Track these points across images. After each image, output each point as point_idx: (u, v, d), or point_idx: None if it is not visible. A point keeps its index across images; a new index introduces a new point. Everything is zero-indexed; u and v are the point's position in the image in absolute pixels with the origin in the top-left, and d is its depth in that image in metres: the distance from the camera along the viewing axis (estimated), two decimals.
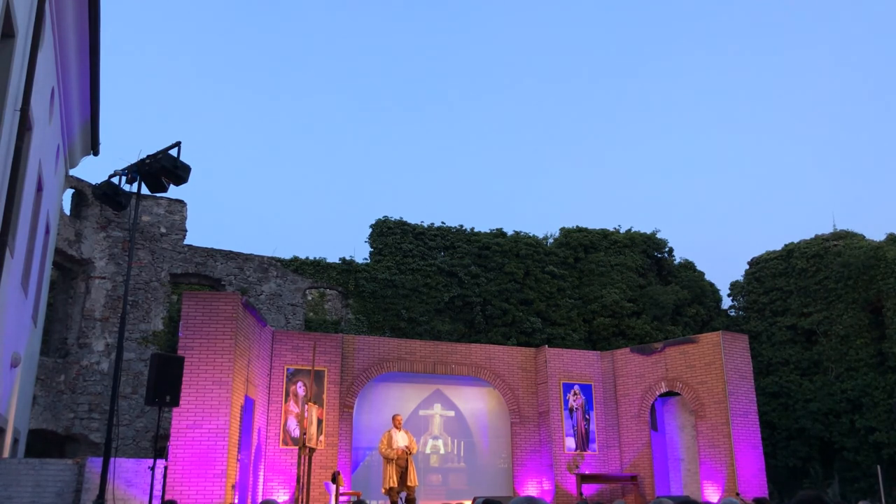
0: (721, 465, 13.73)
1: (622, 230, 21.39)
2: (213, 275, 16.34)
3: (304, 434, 11.08)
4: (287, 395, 12.94)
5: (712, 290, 21.75)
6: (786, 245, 21.49)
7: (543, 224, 62.04)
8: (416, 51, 71.94)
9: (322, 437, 12.50)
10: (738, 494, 12.94)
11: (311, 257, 17.71)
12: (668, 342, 15.32)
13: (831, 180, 63.01)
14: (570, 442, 14.98)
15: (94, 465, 8.93)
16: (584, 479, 14.32)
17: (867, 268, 19.19)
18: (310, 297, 20.07)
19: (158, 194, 11.02)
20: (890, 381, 18.33)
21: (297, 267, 17.42)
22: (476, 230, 19.71)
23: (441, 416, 15.08)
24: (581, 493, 14.15)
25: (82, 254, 15.03)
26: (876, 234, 28.47)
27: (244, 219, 62.47)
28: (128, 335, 14.86)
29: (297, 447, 11.98)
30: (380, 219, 18.95)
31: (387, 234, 18.71)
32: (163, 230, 16.01)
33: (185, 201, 16.40)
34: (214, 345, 10.68)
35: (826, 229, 23.68)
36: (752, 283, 21.74)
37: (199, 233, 53.64)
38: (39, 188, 10.20)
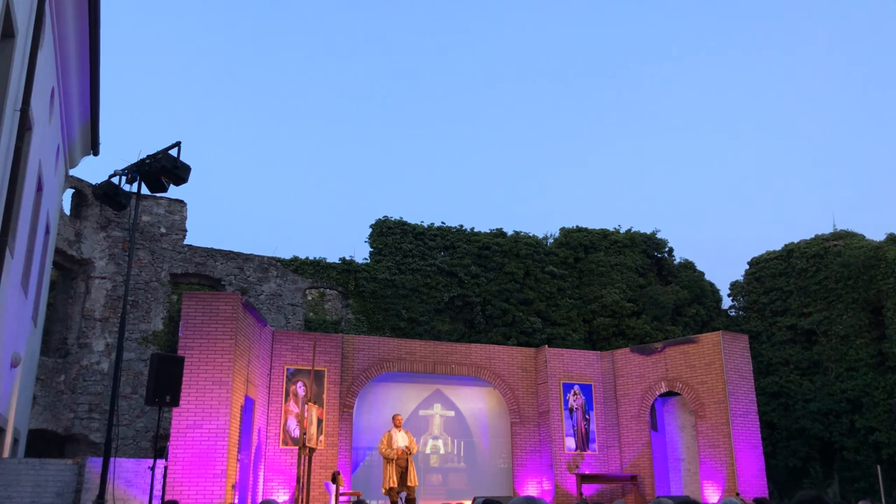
0: (721, 465, 13.74)
1: (622, 230, 21.39)
2: (213, 275, 16.34)
3: (304, 434, 11.08)
4: (287, 395, 12.94)
5: (712, 290, 21.75)
6: (786, 245, 21.49)
7: (543, 224, 62.09)
8: (417, 50, 71.98)
9: (322, 437, 12.50)
10: (738, 494, 12.94)
11: (311, 257, 17.72)
12: (668, 342, 15.32)
13: (831, 180, 63.05)
14: (570, 442, 14.98)
15: (94, 465, 8.93)
16: (584, 479, 14.32)
17: (867, 268, 19.19)
18: (310, 297, 20.07)
19: (158, 194, 11.02)
20: (890, 381, 18.33)
21: (297, 267, 17.42)
22: (476, 230, 19.72)
23: (441, 416, 15.08)
24: (581, 493, 14.15)
25: (82, 254, 15.03)
26: (876, 234, 28.49)
27: (244, 219, 62.51)
28: (128, 335, 14.87)
29: (297, 447, 11.98)
30: (380, 219, 18.95)
31: (387, 234, 18.72)
32: (163, 230, 16.01)
33: (185, 201, 16.41)
34: (214, 345, 10.68)
35: (826, 229, 23.71)
36: (752, 283, 21.74)
37: (199, 233, 53.70)
38: (39, 188, 10.20)
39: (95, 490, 8.48)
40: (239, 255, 16.82)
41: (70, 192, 15.42)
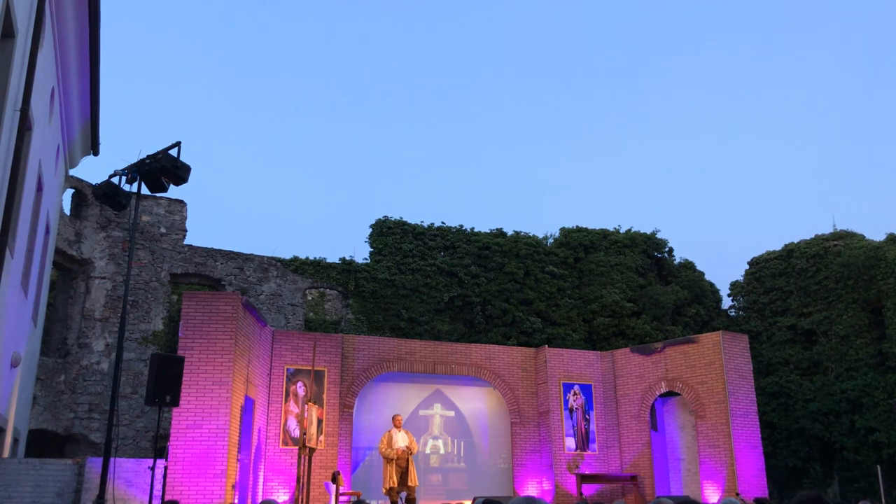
0: (721, 465, 13.73)
1: (622, 230, 21.39)
2: (213, 275, 16.34)
3: (304, 434, 11.08)
4: (287, 395, 12.94)
5: (712, 290, 21.75)
6: (786, 245, 21.50)
7: (543, 224, 62.07)
8: (417, 51, 71.98)
9: (322, 437, 12.50)
10: (738, 494, 12.94)
11: (311, 257, 17.72)
12: (668, 342, 15.32)
13: (831, 180, 63.06)
14: (570, 442, 14.98)
15: (94, 465, 8.93)
16: (584, 479, 14.32)
17: (867, 268, 19.19)
18: (310, 297, 20.07)
19: (158, 194, 11.02)
20: (890, 381, 18.33)
21: (297, 267, 17.42)
22: (476, 230, 19.72)
23: (441, 416, 15.08)
24: (581, 493, 14.15)
25: (82, 254, 15.03)
26: (876, 234, 28.47)
27: (244, 219, 62.51)
28: (128, 335, 14.87)
29: (297, 447, 11.98)
30: (380, 219, 18.95)
31: (387, 234, 18.72)
32: (163, 230, 16.01)
33: (185, 201, 16.42)
34: (214, 345, 10.68)
35: (826, 229, 23.71)
36: (752, 283, 21.74)
37: (199, 233, 53.65)
38: (39, 188, 10.20)
39: (95, 490, 8.48)
40: (239, 255, 16.82)
41: (70, 192, 15.42)
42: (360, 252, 40.46)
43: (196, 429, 10.23)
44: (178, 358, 9.18)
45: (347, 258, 18.11)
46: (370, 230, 18.80)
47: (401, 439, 12.64)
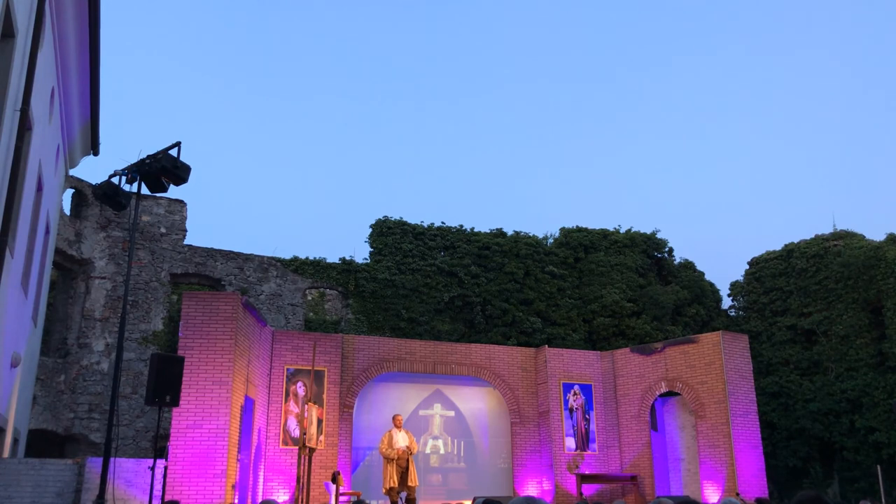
0: (721, 465, 13.73)
1: (622, 230, 21.39)
2: (213, 275, 16.34)
3: (304, 434, 11.08)
4: (287, 395, 12.94)
5: (712, 290, 21.75)
6: (786, 245, 21.50)
7: (543, 224, 62.06)
8: (417, 51, 71.98)
9: (322, 437, 12.50)
10: (738, 494, 12.94)
11: (311, 257, 17.72)
12: (668, 342, 15.32)
13: (831, 180, 63.06)
14: (570, 442, 14.98)
15: (94, 465, 8.93)
16: (584, 479, 14.32)
17: (867, 268, 19.19)
18: (310, 297, 20.07)
19: (158, 194, 11.02)
20: (890, 381, 18.33)
21: (297, 267, 17.42)
22: (476, 230, 19.72)
23: (441, 416, 15.08)
24: (581, 493, 14.15)
25: (82, 254, 15.03)
26: (876, 234, 28.51)
27: (244, 219, 62.53)
28: (128, 335, 14.87)
29: (297, 447, 11.98)
30: (380, 219, 18.95)
31: (387, 234, 18.72)
32: (163, 230, 16.01)
33: (185, 201, 16.42)
34: (214, 345, 10.68)
35: (826, 229, 23.71)
36: (752, 283, 21.74)
37: (199, 233, 53.65)
38: (39, 188, 10.20)
39: (95, 490, 8.48)
40: (239, 255, 16.82)
41: (70, 192, 15.42)
42: (360, 252, 40.50)
43: (196, 429, 10.23)
44: (178, 358, 9.18)
45: (347, 258, 18.11)
46: (370, 230, 18.80)
47: (401, 439, 12.64)
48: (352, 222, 61.40)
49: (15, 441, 10.71)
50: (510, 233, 20.10)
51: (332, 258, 18.07)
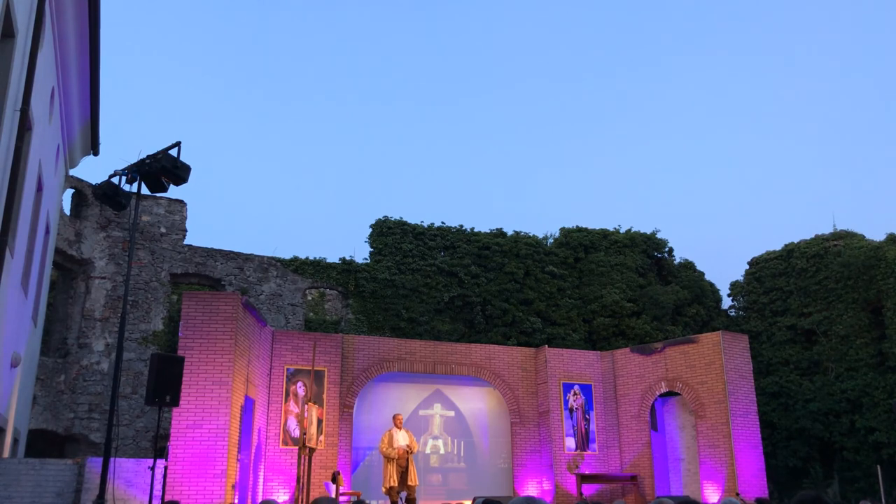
0: (721, 465, 13.73)
1: (622, 230, 21.39)
2: (213, 275, 16.34)
3: (304, 434, 11.08)
4: (287, 395, 12.94)
5: (712, 290, 21.75)
6: (786, 245, 21.49)
7: (543, 224, 62.06)
8: (417, 51, 71.98)
9: (322, 437, 12.50)
10: (738, 494, 12.94)
11: (311, 257, 17.72)
12: (668, 342, 15.32)
13: (831, 180, 63.05)
14: (570, 442, 14.97)
15: (94, 465, 8.93)
16: (584, 479, 14.32)
17: (867, 268, 19.19)
18: (310, 297, 20.07)
19: (158, 194, 11.02)
20: (890, 381, 18.33)
21: (297, 267, 17.42)
22: (476, 230, 19.72)
23: (441, 416, 15.08)
24: (581, 493, 14.15)
25: (82, 254, 15.03)
26: (876, 234, 28.50)
27: (244, 219, 62.53)
28: (128, 335, 14.87)
29: (297, 447, 11.98)
30: (380, 219, 18.95)
31: (387, 234, 18.71)
32: (163, 230, 16.01)
33: (185, 201, 16.41)
34: (214, 345, 10.68)
35: (826, 229, 23.70)
36: (752, 283, 21.74)
37: (199, 233, 53.69)
38: (39, 188, 10.19)
39: (95, 490, 8.48)
40: (239, 255, 16.82)
41: (70, 192, 15.42)
42: (360, 252, 40.48)
43: (196, 429, 10.23)
44: (178, 358, 9.18)
45: (347, 258, 18.11)
46: (370, 230, 18.80)
47: (401, 439, 12.65)
48: (352, 222, 61.44)
49: (15, 441, 10.71)
50: (510, 233, 20.10)
51: (332, 258, 18.09)
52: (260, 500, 11.87)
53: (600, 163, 68.60)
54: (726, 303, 22.34)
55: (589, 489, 14.60)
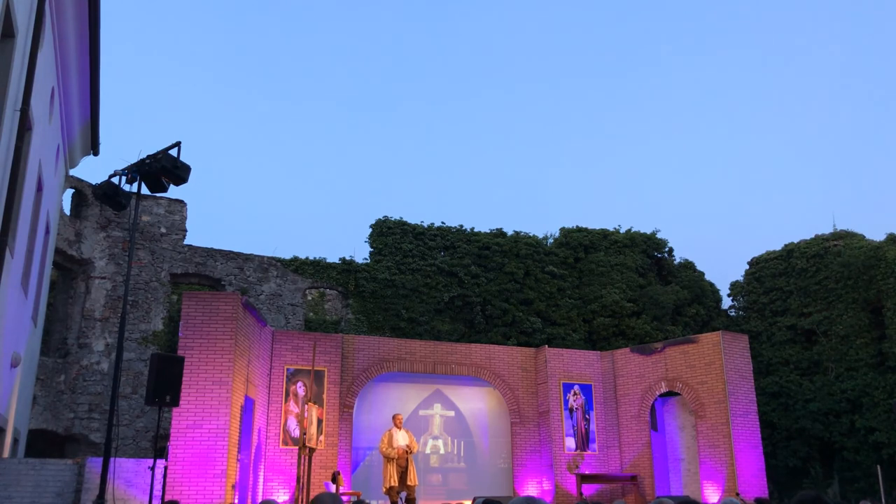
0: (721, 465, 13.73)
1: (622, 230, 21.39)
2: (213, 275, 16.34)
3: (304, 434, 11.08)
4: (287, 395, 12.94)
5: (712, 290, 21.75)
6: (786, 245, 21.49)
7: (543, 224, 62.04)
8: (417, 51, 71.98)
9: (322, 437, 12.50)
10: (738, 494, 12.94)
11: (311, 257, 17.72)
12: (668, 342, 15.32)
13: (831, 180, 63.06)
14: (570, 442, 14.98)
15: (94, 465, 8.93)
16: (584, 479, 14.32)
17: (867, 268, 19.19)
18: (310, 297, 20.07)
19: (158, 194, 11.01)
20: (890, 381, 18.33)
21: (297, 267, 17.42)
22: (476, 230, 19.71)
23: (441, 416, 15.08)
24: (581, 493, 14.15)
25: (82, 254, 15.03)
26: (876, 234, 28.46)
27: (244, 219, 62.53)
28: (128, 335, 14.86)
29: (297, 447, 11.98)
30: (380, 219, 18.95)
31: (387, 234, 18.71)
32: (163, 230, 16.01)
33: (185, 201, 16.41)
34: (214, 345, 10.68)
35: (826, 229, 23.69)
36: (752, 283, 21.74)
37: (199, 233, 53.72)
38: (39, 188, 10.19)
39: (95, 490, 8.48)
40: (239, 255, 16.82)
41: (70, 192, 15.42)
42: (360, 252, 40.49)
43: (196, 429, 10.23)
44: (178, 358, 9.18)
45: (347, 258, 18.11)
46: (370, 230, 18.80)
47: (401, 438, 12.65)
48: (352, 222, 61.43)
49: (15, 441, 10.71)
50: (510, 233, 20.10)
51: (332, 258, 18.09)
52: (260, 500, 11.87)
53: (600, 163, 68.65)
54: (726, 303, 22.36)
55: (589, 489, 14.60)
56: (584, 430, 15.22)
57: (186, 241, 16.26)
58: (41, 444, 14.53)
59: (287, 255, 17.47)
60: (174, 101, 66.38)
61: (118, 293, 15.05)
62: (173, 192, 9.43)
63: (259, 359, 12.30)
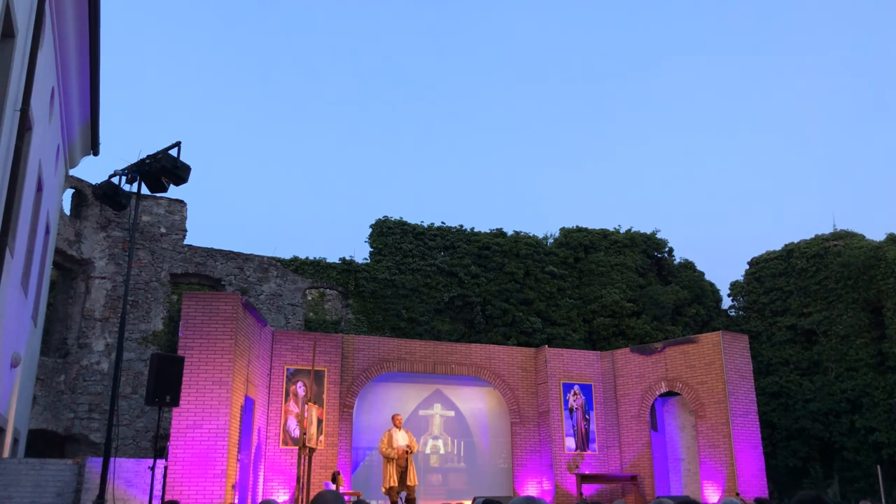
0: (721, 465, 13.73)
1: (622, 230, 21.39)
2: (213, 275, 16.34)
3: (304, 434, 11.08)
4: (287, 395, 12.94)
5: (712, 290, 21.74)
6: (786, 245, 21.49)
7: (543, 224, 62.03)
8: (417, 51, 71.98)
9: (322, 437, 12.50)
10: (738, 494, 12.94)
11: (311, 257, 17.72)
12: (668, 342, 15.32)
13: (831, 180, 63.06)
14: (570, 442, 14.98)
15: (94, 465, 8.93)
16: (584, 479, 14.32)
17: (867, 268, 19.19)
18: (310, 297, 20.07)
19: (158, 194, 11.02)
20: (890, 381, 18.33)
21: (297, 267, 17.42)
22: (476, 230, 19.71)
23: (441, 416, 15.08)
24: (581, 493, 14.15)
25: (82, 254, 15.03)
26: (876, 234, 28.46)
27: (244, 219, 62.51)
28: (128, 335, 14.86)
29: (297, 447, 11.98)
30: (380, 219, 18.95)
31: (387, 234, 18.71)
32: (163, 230, 16.01)
33: (185, 201, 16.41)
34: (214, 345, 10.68)
35: (826, 229, 23.69)
36: (752, 283, 21.74)
37: (199, 233, 53.70)
38: (39, 188, 10.20)
39: (95, 490, 8.48)
40: (239, 255, 16.82)
41: (70, 192, 15.42)
42: (360, 252, 40.48)
43: (196, 429, 10.23)
44: (178, 358, 9.18)
45: (347, 258, 18.11)
46: (370, 230, 18.80)
47: (401, 438, 12.65)
48: (352, 222, 61.43)
49: (15, 441, 10.71)
50: (510, 233, 20.10)
51: (332, 258, 18.09)
52: (260, 500, 11.87)
53: (600, 163, 68.65)
54: (726, 303, 22.36)
55: (589, 489, 14.60)
56: (584, 430, 15.22)
57: (186, 241, 16.26)
58: (41, 444, 14.53)
59: (287, 255, 17.48)
60: (174, 101, 66.42)
61: (118, 293, 15.05)
62: (173, 192, 9.44)
63: (259, 359, 12.30)
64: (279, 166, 68.98)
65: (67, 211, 15.30)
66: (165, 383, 8.78)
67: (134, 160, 8.37)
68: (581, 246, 20.55)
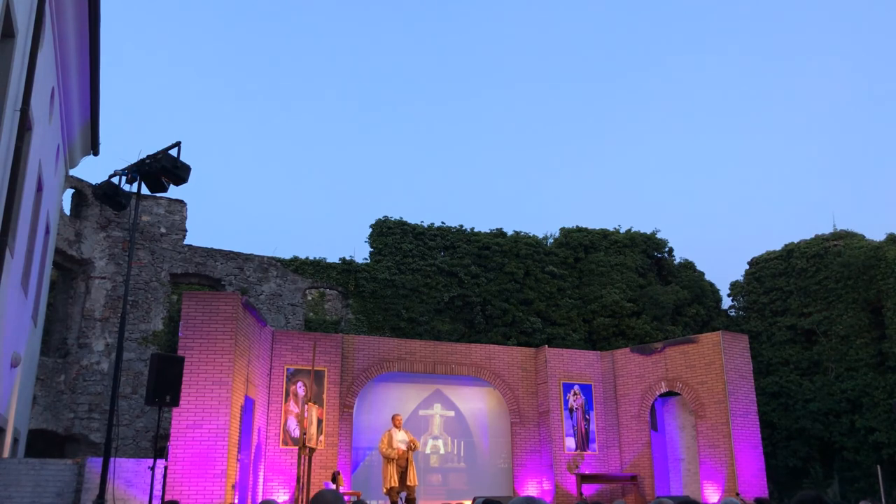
0: (721, 465, 13.73)
1: (622, 230, 21.39)
2: (213, 275, 16.34)
3: (304, 434, 11.08)
4: (287, 395, 12.94)
5: (712, 290, 21.74)
6: (786, 245, 21.49)
7: (543, 224, 62.03)
8: (417, 51, 71.97)
9: (322, 437, 12.50)
10: (738, 494, 12.94)
11: (311, 257, 17.72)
12: (668, 342, 15.32)
13: (831, 180, 63.06)
14: (570, 442, 14.98)
15: (94, 465, 8.93)
16: (584, 479, 14.32)
17: (867, 268, 19.19)
18: (310, 297, 20.07)
19: (158, 194, 11.02)
20: (890, 381, 18.33)
21: (297, 267, 17.42)
22: (476, 230, 19.71)
23: (441, 416, 15.08)
24: (581, 493, 14.15)
25: (82, 254, 15.03)
26: (876, 234, 28.45)
27: (244, 219, 62.49)
28: (128, 335, 14.87)
29: (297, 447, 11.98)
30: (380, 219, 18.95)
31: (387, 234, 18.71)
32: (163, 230, 16.01)
33: (185, 201, 16.41)
34: (214, 345, 10.68)
35: (826, 229, 23.68)
36: (752, 283, 21.73)
37: (199, 233, 53.69)
38: (39, 188, 10.20)
39: (95, 490, 8.48)
40: (239, 255, 16.82)
41: (70, 192, 15.42)
42: (360, 252, 40.48)
43: (196, 429, 10.23)
44: (178, 358, 9.18)
45: (347, 258, 18.11)
46: (370, 230, 18.80)
47: (401, 438, 12.64)
48: (352, 222, 61.44)
49: (15, 441, 10.71)
50: (510, 233, 20.10)
51: (332, 258, 18.09)
52: (260, 500, 11.87)
53: (600, 163, 68.65)
54: (726, 303, 22.35)
55: (589, 489, 14.60)
56: (584, 430, 15.22)
57: (186, 241, 16.26)
58: (41, 444, 14.53)
59: (287, 255, 17.48)
60: (174, 101, 66.42)
61: (118, 293, 15.05)
62: (173, 192, 9.44)
63: (259, 359, 12.30)
64: (279, 166, 69.02)
65: (67, 211, 15.31)
66: (165, 383, 8.78)
67: (134, 160, 8.38)
68: (581, 246, 20.55)
